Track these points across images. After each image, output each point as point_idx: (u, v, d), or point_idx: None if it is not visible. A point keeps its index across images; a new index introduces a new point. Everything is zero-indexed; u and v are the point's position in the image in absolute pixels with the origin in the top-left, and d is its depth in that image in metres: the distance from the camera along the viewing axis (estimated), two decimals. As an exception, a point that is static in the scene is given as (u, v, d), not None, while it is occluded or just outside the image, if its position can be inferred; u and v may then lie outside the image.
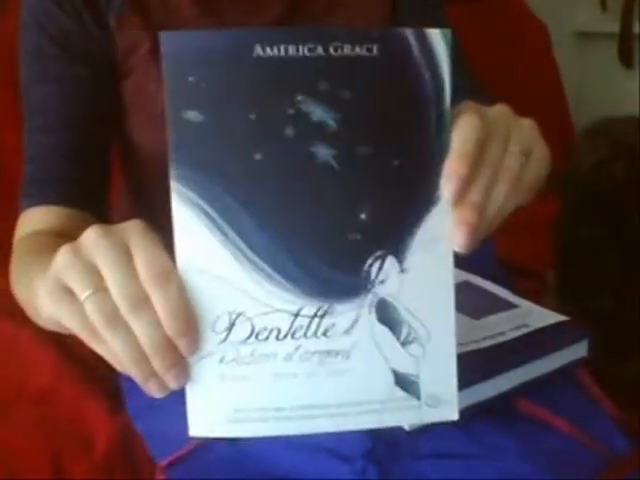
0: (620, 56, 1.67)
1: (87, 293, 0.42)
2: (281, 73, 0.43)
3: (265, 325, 0.44)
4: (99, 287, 0.42)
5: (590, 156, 1.17)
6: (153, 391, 0.44)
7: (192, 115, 0.42)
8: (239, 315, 0.43)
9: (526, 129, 0.50)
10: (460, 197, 0.45)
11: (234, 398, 0.44)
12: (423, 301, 0.45)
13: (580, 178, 1.18)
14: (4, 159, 1.09)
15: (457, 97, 0.47)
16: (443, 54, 0.45)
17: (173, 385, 0.43)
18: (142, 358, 0.42)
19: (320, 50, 0.43)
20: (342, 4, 0.76)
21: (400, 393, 0.46)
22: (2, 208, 0.79)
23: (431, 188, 0.45)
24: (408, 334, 0.45)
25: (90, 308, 0.42)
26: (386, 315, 0.45)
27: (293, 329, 0.44)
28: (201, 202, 0.43)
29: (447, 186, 0.45)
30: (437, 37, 0.45)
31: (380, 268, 0.45)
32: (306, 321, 0.44)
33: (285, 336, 0.44)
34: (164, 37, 0.42)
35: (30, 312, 0.57)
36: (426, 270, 0.45)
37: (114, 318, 0.41)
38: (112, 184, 0.76)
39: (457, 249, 0.45)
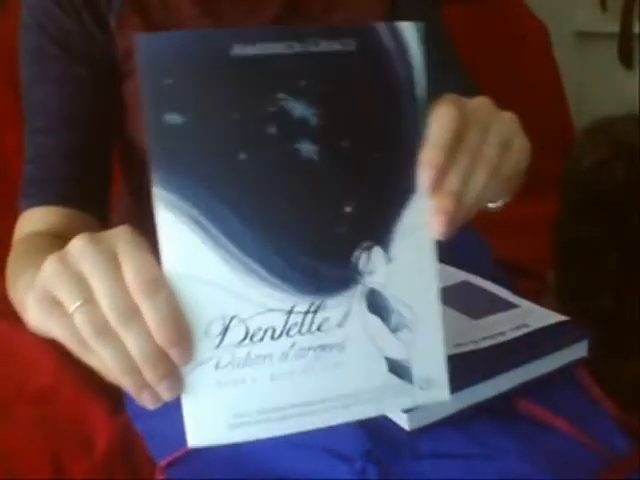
0: (620, 56, 1.67)
1: (76, 305, 0.41)
2: (260, 71, 0.43)
3: (259, 325, 0.43)
4: (88, 298, 0.41)
5: (590, 155, 1.17)
6: (147, 402, 0.43)
7: (172, 118, 0.42)
8: (232, 318, 0.43)
9: (506, 121, 0.51)
10: (437, 186, 0.46)
11: (232, 403, 0.44)
12: (409, 288, 0.46)
13: (580, 178, 1.18)
14: (4, 159, 1.09)
15: (445, 91, 0.47)
16: (416, 46, 0.46)
17: (166, 396, 0.43)
18: (134, 369, 0.41)
19: (298, 47, 0.43)
20: (341, 4, 0.77)
21: (394, 379, 0.46)
22: (2, 208, 0.79)
23: (411, 178, 0.46)
24: (398, 321, 0.46)
25: (79, 320, 0.41)
26: (376, 304, 0.46)
27: (287, 327, 0.44)
28: (186, 206, 0.42)
29: (423, 175, 0.46)
30: (410, 30, 0.46)
31: (368, 259, 0.45)
32: (300, 318, 0.44)
33: (280, 335, 0.44)
34: (140, 40, 0.42)
35: (23, 314, 0.57)
36: (410, 257, 0.46)
37: (104, 329, 0.41)
38: (112, 185, 0.76)
39: (436, 237, 0.46)
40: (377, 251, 0.46)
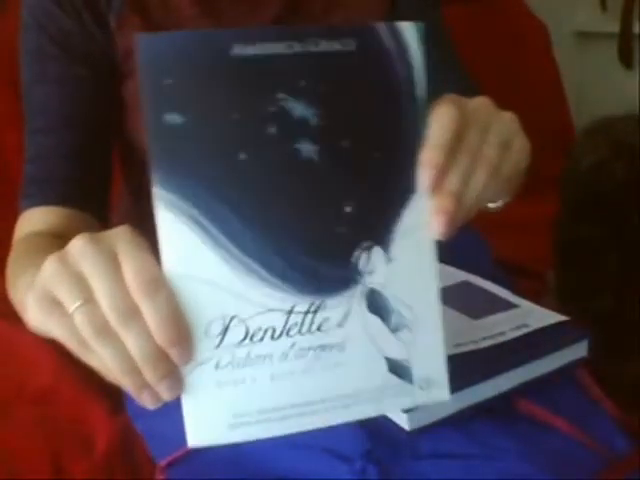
0: (620, 56, 1.67)
1: (76, 305, 0.41)
2: (260, 71, 0.43)
3: (259, 325, 0.43)
4: (88, 298, 0.41)
5: (590, 155, 1.17)
6: (147, 402, 0.43)
7: (172, 118, 0.42)
8: (233, 318, 0.43)
9: (506, 121, 0.51)
10: (437, 185, 0.46)
11: (232, 403, 0.43)
12: (409, 287, 0.47)
13: (580, 177, 1.18)
14: (4, 159, 1.09)
15: (445, 91, 0.47)
16: (416, 46, 0.46)
17: (166, 396, 0.43)
18: (134, 369, 0.41)
19: (298, 47, 0.43)
20: (341, 4, 0.77)
21: (394, 379, 0.46)
22: (2, 208, 0.79)
23: (411, 178, 0.46)
24: (398, 321, 0.46)
25: (79, 320, 0.41)
26: (376, 304, 0.46)
27: (287, 327, 0.44)
28: (186, 206, 0.42)
29: (423, 175, 0.46)
30: (410, 30, 0.46)
31: (368, 259, 0.45)
32: (300, 318, 0.44)
33: (280, 335, 0.44)
34: (139, 40, 0.41)
35: (23, 314, 0.57)
36: (410, 257, 0.46)
37: (104, 329, 0.41)
38: (112, 185, 0.76)
39: (436, 237, 0.46)
40: (377, 251, 0.46)
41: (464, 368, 0.57)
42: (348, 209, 0.45)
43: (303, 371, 0.44)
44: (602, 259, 1.12)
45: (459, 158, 0.46)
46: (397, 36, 0.46)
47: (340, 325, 0.45)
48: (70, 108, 0.71)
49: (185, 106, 0.42)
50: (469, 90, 0.55)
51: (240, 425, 0.44)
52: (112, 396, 0.73)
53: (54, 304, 0.42)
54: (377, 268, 0.46)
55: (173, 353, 0.42)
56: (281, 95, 0.43)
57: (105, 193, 0.74)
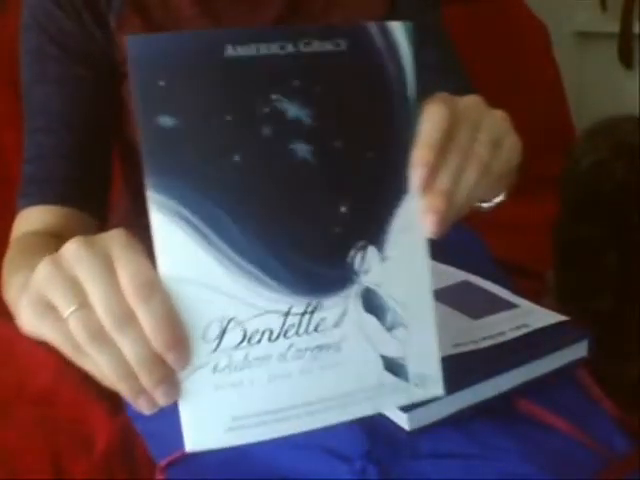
0: (620, 56, 1.67)
1: (71, 309, 0.41)
2: (254, 72, 0.43)
3: (257, 328, 0.43)
4: (83, 303, 0.41)
5: (590, 155, 1.17)
6: (143, 408, 0.43)
7: (165, 120, 0.41)
8: (230, 321, 0.43)
9: (497, 119, 0.51)
10: (428, 184, 0.46)
11: (230, 406, 0.43)
12: (403, 286, 0.47)
13: (580, 178, 1.18)
14: (4, 159, 1.09)
15: (444, 91, 0.48)
16: (406, 46, 0.46)
17: (163, 402, 0.42)
18: (130, 374, 0.41)
19: (290, 48, 0.43)
20: (340, 4, 0.77)
21: (390, 377, 0.47)
22: (1, 208, 0.79)
23: (403, 177, 0.46)
24: (393, 319, 0.46)
25: (74, 325, 0.40)
26: (372, 303, 0.46)
27: (285, 328, 0.44)
28: (181, 209, 0.42)
29: (415, 174, 0.46)
30: (399, 30, 0.46)
31: (363, 258, 0.45)
32: (297, 319, 0.44)
33: (277, 336, 0.44)
34: (131, 41, 0.41)
35: (15, 314, 0.56)
36: (404, 256, 0.47)
37: (99, 334, 0.40)
38: (112, 185, 0.76)
39: (427, 235, 0.47)
40: (371, 250, 0.46)
41: (464, 368, 0.57)
42: (343, 209, 0.45)
43: (301, 372, 0.44)
44: (602, 259, 1.12)
45: (449, 157, 0.46)
46: (387, 36, 0.46)
47: (336, 325, 0.45)
48: (70, 108, 0.71)
49: (178, 108, 0.41)
50: (468, 90, 0.55)
51: (238, 428, 0.43)
52: (112, 396, 0.73)
53: (48, 308, 0.42)
54: (372, 267, 0.46)
55: (169, 358, 0.41)
56: (275, 96, 0.43)
57: (104, 193, 0.74)
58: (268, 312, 0.43)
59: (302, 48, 0.43)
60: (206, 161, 0.42)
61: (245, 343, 0.43)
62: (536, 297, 0.70)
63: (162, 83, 0.41)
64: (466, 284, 0.72)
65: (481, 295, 0.70)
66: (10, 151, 1.07)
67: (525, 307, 0.67)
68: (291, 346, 0.44)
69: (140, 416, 0.69)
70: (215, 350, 0.42)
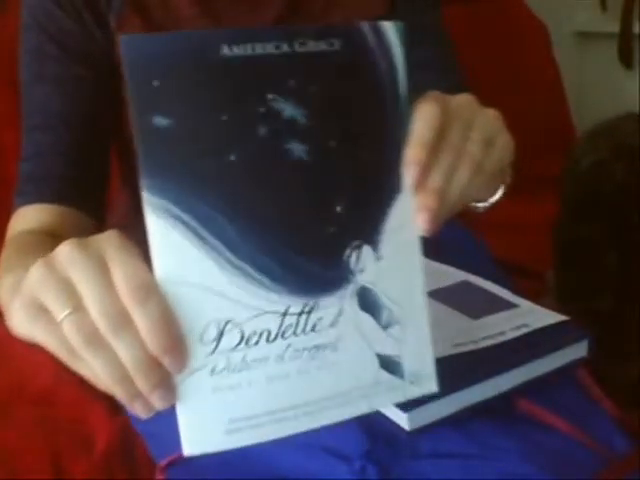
0: (620, 56, 1.67)
1: (65, 313, 0.40)
2: (249, 72, 0.43)
3: (254, 329, 0.43)
4: (77, 306, 0.40)
5: (590, 156, 1.17)
6: (139, 411, 0.42)
7: (160, 120, 0.41)
8: (227, 322, 0.42)
9: (490, 118, 0.51)
10: (420, 183, 0.46)
11: (229, 408, 0.43)
12: (398, 284, 0.47)
13: (580, 178, 1.18)
14: (4, 159, 1.09)
15: (442, 91, 0.47)
16: (397, 45, 0.46)
17: (159, 405, 0.42)
18: (125, 378, 0.40)
19: (285, 47, 0.43)
20: (340, 4, 0.77)
21: (385, 375, 0.47)
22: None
23: (397, 176, 0.46)
24: (388, 317, 0.47)
25: (68, 328, 0.40)
26: (367, 302, 0.46)
27: (282, 329, 0.44)
28: (176, 210, 0.41)
29: (408, 173, 0.46)
30: (390, 29, 0.46)
31: (358, 258, 0.46)
32: (294, 319, 0.44)
33: (275, 337, 0.43)
34: (124, 41, 0.41)
35: (6, 313, 0.56)
36: (397, 255, 0.47)
37: (94, 338, 0.40)
38: (110, 184, 0.76)
39: (420, 233, 0.47)
40: (366, 249, 0.46)
41: (464, 368, 0.57)
42: (339, 209, 0.45)
43: (298, 372, 0.44)
44: (602, 259, 1.12)
45: (442, 155, 0.47)
46: (380, 35, 0.46)
47: (333, 324, 0.45)
48: (69, 107, 0.71)
49: (173, 108, 0.41)
50: (464, 90, 0.55)
51: (237, 430, 0.43)
52: (112, 396, 0.73)
53: (40, 311, 0.41)
54: (367, 266, 0.46)
55: (166, 361, 0.40)
56: (271, 95, 0.43)
57: (102, 192, 0.74)
58: (266, 313, 0.43)
59: (297, 48, 0.44)
60: (201, 161, 0.42)
61: (243, 345, 0.43)
62: (536, 297, 0.70)
63: (156, 83, 0.41)
64: (466, 284, 0.72)
65: (481, 295, 0.70)
66: (10, 151, 1.07)
67: (525, 307, 0.67)
68: (289, 346, 0.44)
69: (140, 416, 0.69)
70: (213, 352, 0.42)
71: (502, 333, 0.62)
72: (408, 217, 0.47)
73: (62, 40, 0.70)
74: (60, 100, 0.71)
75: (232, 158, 0.42)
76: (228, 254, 0.42)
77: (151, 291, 0.40)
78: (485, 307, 0.67)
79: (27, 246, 0.63)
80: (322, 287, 0.45)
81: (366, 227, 0.46)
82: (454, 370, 0.56)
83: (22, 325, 0.43)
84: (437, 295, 0.68)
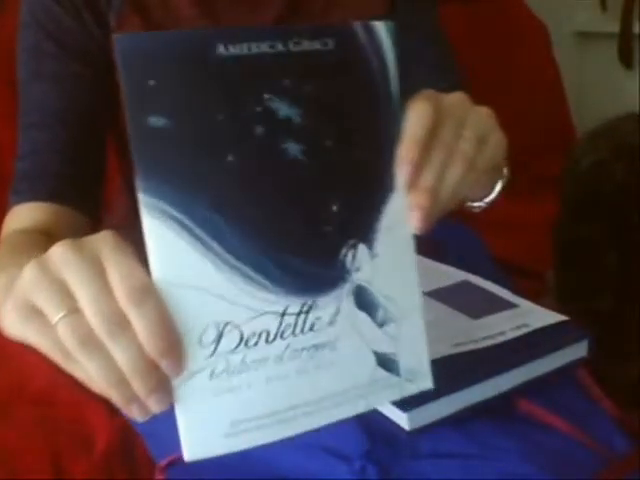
0: (620, 56, 1.67)
1: (60, 315, 0.39)
2: (245, 71, 0.42)
3: (254, 330, 0.43)
4: (72, 308, 0.39)
5: (590, 156, 1.17)
6: (135, 415, 0.41)
7: (155, 120, 0.40)
8: (226, 324, 0.42)
9: (482, 116, 0.51)
10: (413, 181, 0.46)
11: (228, 411, 0.42)
12: (393, 282, 0.47)
13: (580, 178, 1.18)
14: (1, 157, 1.09)
15: (440, 91, 0.47)
16: (388, 44, 0.47)
17: (156, 409, 0.41)
18: (121, 381, 0.39)
19: (280, 47, 0.43)
20: (340, 4, 0.77)
21: (382, 373, 0.47)
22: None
23: (390, 175, 0.46)
24: (384, 315, 0.47)
25: (63, 331, 0.39)
26: (364, 300, 0.46)
27: (282, 329, 0.43)
28: (173, 212, 0.41)
29: (400, 171, 0.46)
30: (382, 29, 0.47)
31: (354, 256, 0.46)
32: (293, 319, 0.44)
33: (274, 338, 0.43)
34: (118, 40, 0.40)
35: None
36: (392, 253, 0.47)
37: (89, 341, 0.39)
38: (107, 184, 0.76)
39: (413, 232, 0.47)
40: (362, 248, 0.46)
41: (464, 368, 0.57)
42: (335, 208, 0.45)
43: (297, 372, 0.44)
44: (602, 259, 1.12)
45: (434, 153, 0.47)
46: (372, 35, 0.46)
47: (331, 323, 0.45)
48: (66, 105, 0.70)
49: (169, 108, 0.41)
50: (461, 90, 0.55)
51: (237, 433, 0.43)
52: (111, 396, 0.73)
53: (33, 313, 0.40)
54: (363, 265, 0.46)
55: (164, 364, 0.40)
56: (267, 95, 0.43)
57: (98, 191, 0.73)
58: (265, 313, 0.43)
59: (292, 47, 0.44)
60: (198, 162, 0.41)
61: (242, 346, 0.42)
62: (536, 297, 0.70)
63: (152, 82, 0.40)
64: (466, 284, 0.72)
65: (481, 295, 0.70)
66: (7, 149, 1.07)
67: (525, 307, 0.67)
68: (288, 347, 0.44)
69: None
70: (212, 355, 0.41)
71: (502, 333, 0.62)
72: (402, 215, 0.47)
73: (60, 38, 0.70)
74: (57, 98, 0.70)
75: (229, 158, 0.42)
76: (226, 255, 0.42)
77: (148, 292, 0.39)
78: (485, 307, 0.67)
79: (21, 245, 0.62)
80: (320, 286, 0.45)
81: (361, 226, 0.46)
82: (454, 370, 0.56)
83: (14, 326, 0.42)
84: (437, 295, 0.68)
